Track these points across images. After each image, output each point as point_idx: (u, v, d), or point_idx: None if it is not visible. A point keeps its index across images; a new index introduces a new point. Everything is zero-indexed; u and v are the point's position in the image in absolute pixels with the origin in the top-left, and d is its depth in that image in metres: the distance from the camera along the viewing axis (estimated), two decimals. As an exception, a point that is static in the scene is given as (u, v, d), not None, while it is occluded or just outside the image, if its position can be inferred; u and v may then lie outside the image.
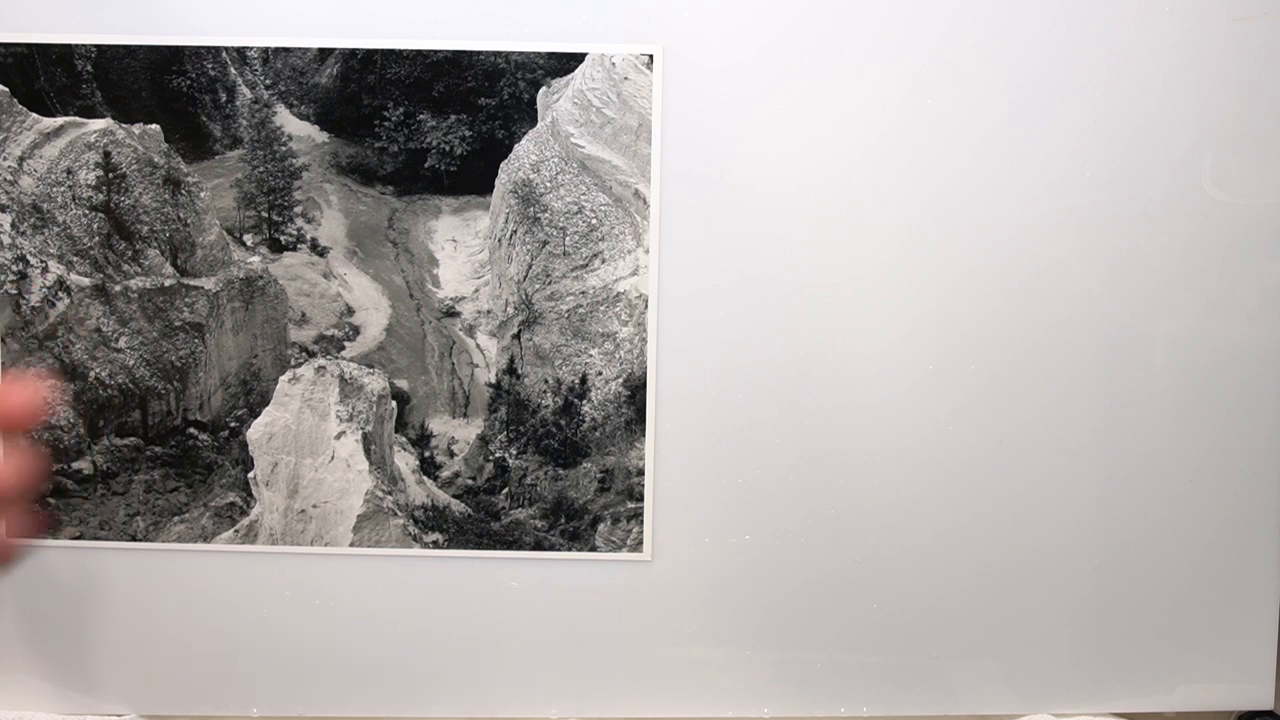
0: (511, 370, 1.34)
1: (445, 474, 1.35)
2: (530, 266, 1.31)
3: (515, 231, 1.31)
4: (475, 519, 1.35)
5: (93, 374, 1.31)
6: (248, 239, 1.31)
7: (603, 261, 1.31)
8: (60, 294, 1.30)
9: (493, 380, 1.34)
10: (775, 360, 1.32)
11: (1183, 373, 1.33)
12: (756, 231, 1.29)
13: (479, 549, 1.35)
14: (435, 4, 1.26)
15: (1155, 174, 1.30)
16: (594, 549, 1.35)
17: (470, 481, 1.35)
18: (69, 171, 1.28)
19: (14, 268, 1.29)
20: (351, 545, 1.34)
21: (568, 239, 1.30)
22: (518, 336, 1.33)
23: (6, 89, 1.26)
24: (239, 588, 1.35)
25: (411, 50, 1.26)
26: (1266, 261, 1.32)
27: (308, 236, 1.31)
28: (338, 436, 1.33)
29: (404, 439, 1.34)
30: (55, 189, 1.28)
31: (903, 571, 1.36)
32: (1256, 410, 1.34)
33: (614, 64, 1.26)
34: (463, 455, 1.35)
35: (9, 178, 1.28)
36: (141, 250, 1.30)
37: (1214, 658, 1.39)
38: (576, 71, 1.26)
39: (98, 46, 1.26)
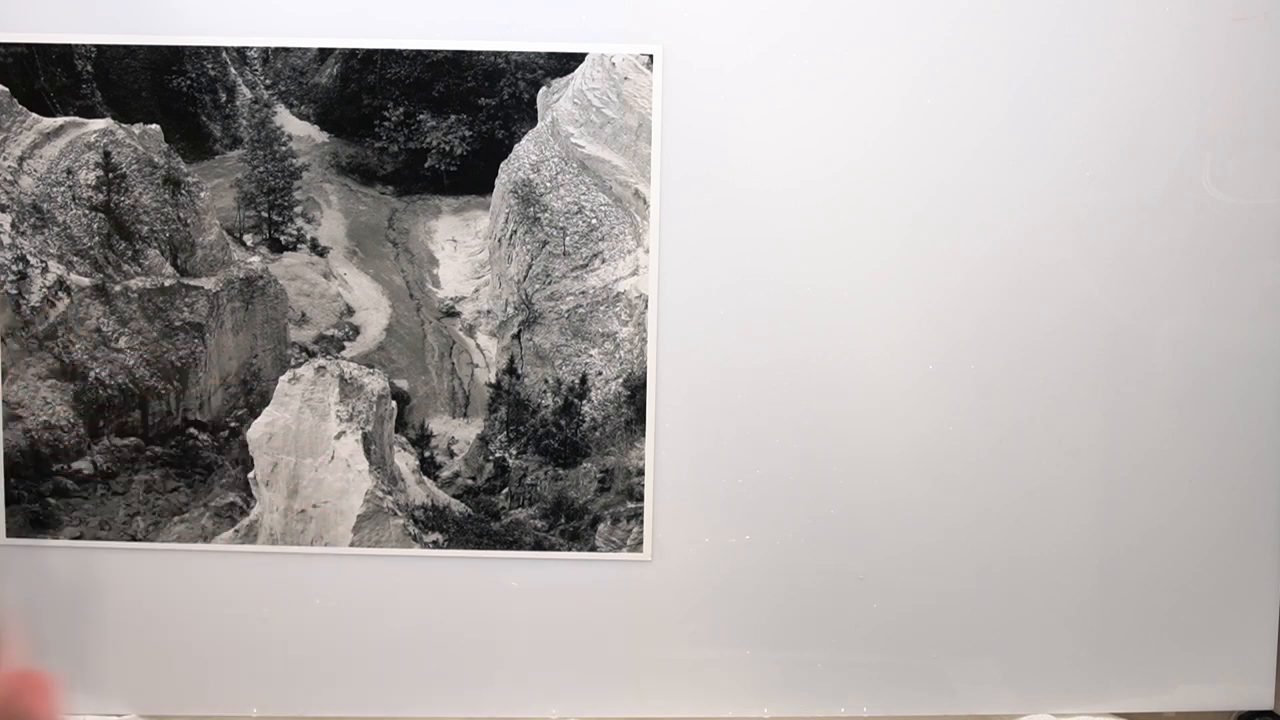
0: (511, 370, 1.33)
1: (445, 474, 1.35)
2: (530, 266, 1.31)
3: (515, 231, 1.31)
4: (475, 519, 1.35)
5: (93, 374, 1.31)
6: (248, 239, 1.31)
7: (603, 261, 1.31)
8: (60, 294, 1.30)
9: (493, 380, 1.34)
10: (775, 360, 1.32)
11: (1183, 373, 1.33)
12: (757, 232, 1.29)
13: (479, 549, 1.35)
14: (435, 4, 1.25)
15: (1155, 174, 1.30)
16: (594, 549, 1.35)
17: (470, 481, 1.35)
18: (69, 171, 1.28)
19: (14, 268, 1.29)
20: (351, 545, 1.34)
21: (568, 239, 1.30)
22: (518, 336, 1.33)
23: (6, 89, 1.26)
24: (239, 588, 1.35)
25: (411, 50, 1.26)
26: (1266, 261, 1.32)
27: (308, 236, 1.31)
28: (338, 436, 1.33)
29: (404, 439, 1.34)
30: (55, 189, 1.28)
31: (903, 571, 1.36)
32: (1256, 410, 1.34)
33: (614, 64, 1.26)
34: (463, 455, 1.34)
35: (9, 178, 1.28)
36: (141, 250, 1.30)
37: (1214, 658, 1.39)
38: (576, 71, 1.26)
39: (98, 46, 1.26)
